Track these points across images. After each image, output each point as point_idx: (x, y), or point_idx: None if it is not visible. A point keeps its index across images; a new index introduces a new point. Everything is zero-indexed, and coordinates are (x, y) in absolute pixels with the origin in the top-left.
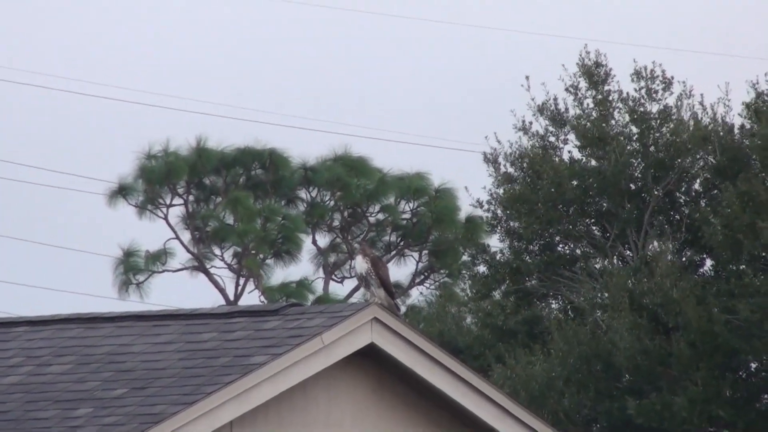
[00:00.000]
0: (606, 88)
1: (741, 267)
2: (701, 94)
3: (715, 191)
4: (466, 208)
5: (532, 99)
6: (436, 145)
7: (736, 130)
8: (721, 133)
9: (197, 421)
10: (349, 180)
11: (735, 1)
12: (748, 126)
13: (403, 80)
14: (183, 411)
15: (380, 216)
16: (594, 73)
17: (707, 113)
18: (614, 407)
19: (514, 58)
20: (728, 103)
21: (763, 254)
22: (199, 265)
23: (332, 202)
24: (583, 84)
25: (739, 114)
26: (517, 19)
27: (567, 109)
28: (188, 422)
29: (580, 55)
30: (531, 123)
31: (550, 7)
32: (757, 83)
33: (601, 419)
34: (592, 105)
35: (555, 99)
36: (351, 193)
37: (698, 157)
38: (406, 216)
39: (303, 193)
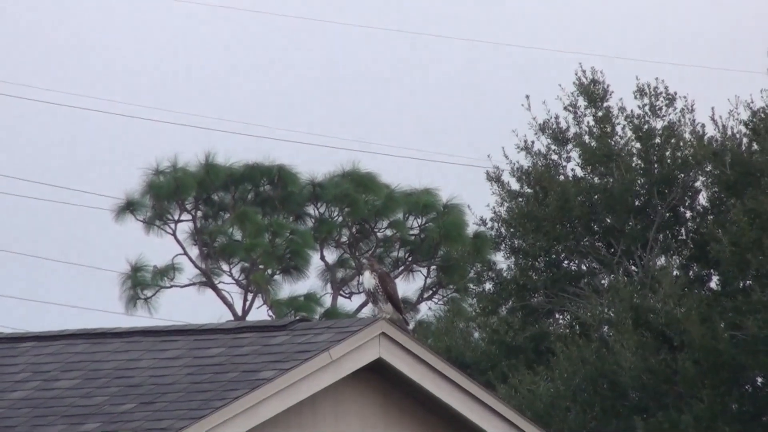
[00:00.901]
0: (605, 104)
1: (748, 283)
2: (712, 108)
3: (723, 207)
4: (473, 225)
5: (533, 118)
6: (444, 161)
7: (743, 146)
8: (730, 148)
9: None
10: (357, 196)
11: (737, 16)
12: (755, 146)
13: (410, 95)
14: (191, 426)
15: (388, 232)
16: (592, 91)
17: (717, 127)
18: (621, 426)
19: (521, 73)
20: (738, 116)
21: None
22: (207, 280)
23: (340, 218)
24: (582, 102)
25: (742, 131)
26: (525, 34)
27: (568, 128)
28: None
29: (576, 74)
30: (533, 142)
31: (561, 22)
32: (752, 102)
33: None
34: (592, 123)
35: (556, 117)
36: (359, 209)
37: (707, 170)
38: (414, 232)
39: (311, 209)
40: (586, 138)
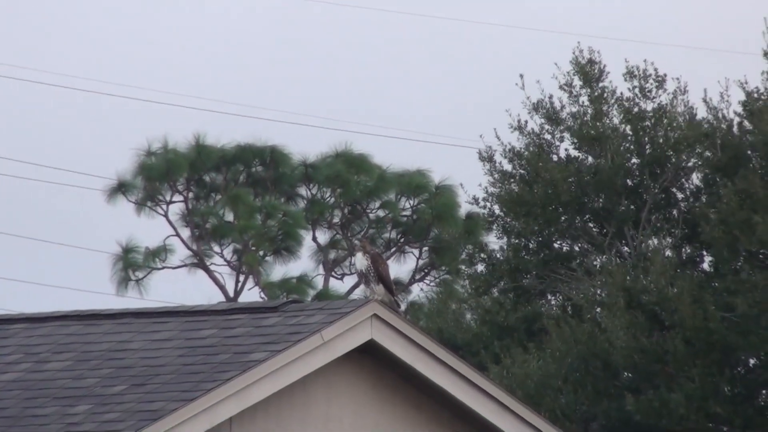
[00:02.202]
0: (601, 85)
1: (738, 263)
2: (704, 89)
3: (714, 186)
4: (465, 205)
5: (527, 98)
6: (436, 142)
7: (735, 128)
8: (720, 131)
9: (196, 418)
10: (349, 177)
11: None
12: (747, 125)
13: (403, 76)
14: (182, 408)
15: (380, 213)
16: (588, 71)
17: (709, 109)
18: (612, 406)
19: (514, 54)
20: (728, 98)
21: (761, 251)
22: (199, 261)
23: (332, 199)
24: (577, 82)
25: (734, 112)
26: (517, 15)
27: (563, 107)
28: (187, 419)
29: (573, 53)
30: (526, 122)
31: (552, 4)
32: (746, 83)
33: (600, 417)
34: (587, 102)
35: (550, 97)
36: (351, 190)
37: (697, 152)
38: (407, 213)
39: (303, 190)
40: (579, 120)
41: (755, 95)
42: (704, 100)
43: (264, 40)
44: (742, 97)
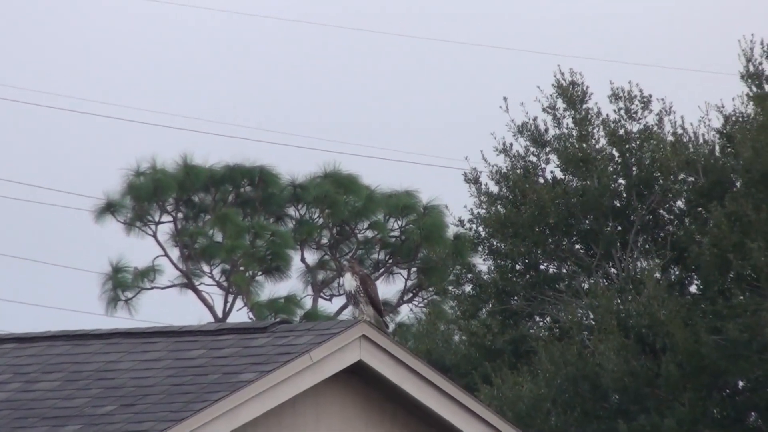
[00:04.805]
0: (585, 106)
1: (728, 287)
2: (681, 117)
3: (700, 209)
4: (453, 226)
5: (512, 120)
6: (425, 163)
7: (717, 152)
8: (702, 158)
9: None
10: (337, 197)
11: (711, 16)
12: (728, 149)
13: (391, 96)
14: (171, 428)
15: (369, 233)
16: (571, 93)
17: (687, 135)
18: (602, 428)
19: (500, 75)
20: (708, 123)
21: (752, 275)
22: (188, 282)
23: (321, 220)
24: (560, 104)
25: (713, 139)
26: (504, 36)
27: (547, 129)
28: None
29: (555, 75)
30: (511, 144)
31: (541, 25)
32: (723, 107)
33: None
34: (571, 125)
35: (535, 119)
36: (340, 211)
37: (680, 178)
38: (395, 233)
39: (292, 211)
40: (565, 141)
41: (733, 118)
42: (682, 127)
43: (252, 61)
44: (723, 120)
